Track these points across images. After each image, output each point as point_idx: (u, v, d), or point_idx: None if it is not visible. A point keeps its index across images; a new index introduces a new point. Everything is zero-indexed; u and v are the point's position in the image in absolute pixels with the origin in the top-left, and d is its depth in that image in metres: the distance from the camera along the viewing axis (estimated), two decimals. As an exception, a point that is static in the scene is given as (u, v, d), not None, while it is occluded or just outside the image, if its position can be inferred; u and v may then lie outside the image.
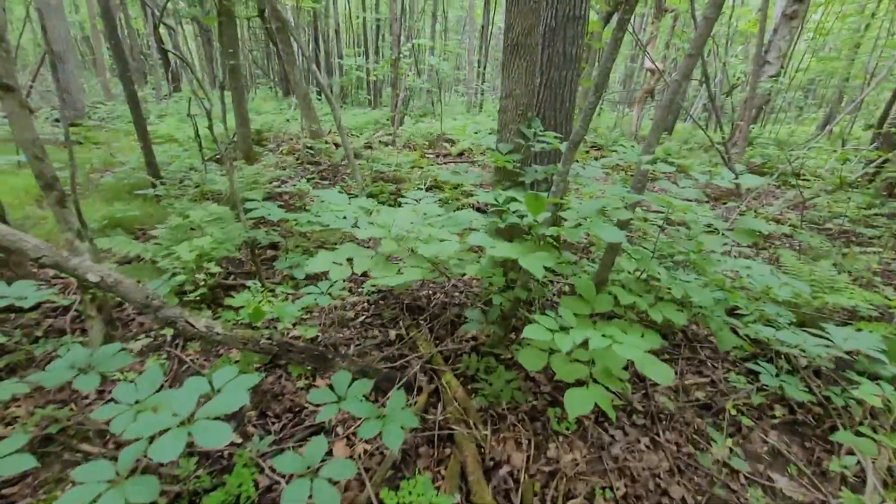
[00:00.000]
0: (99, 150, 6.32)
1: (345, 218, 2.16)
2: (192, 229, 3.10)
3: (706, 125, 11.90)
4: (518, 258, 1.60)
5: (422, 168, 6.51)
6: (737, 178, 1.82)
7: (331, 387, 1.72)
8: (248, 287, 2.60)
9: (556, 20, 2.80)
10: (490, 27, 13.29)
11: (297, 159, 6.89)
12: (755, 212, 5.52)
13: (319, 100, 11.68)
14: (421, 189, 5.54)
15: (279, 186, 5.16)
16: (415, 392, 2.25)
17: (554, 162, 2.88)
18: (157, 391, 1.63)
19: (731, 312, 2.64)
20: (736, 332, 2.39)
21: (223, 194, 4.36)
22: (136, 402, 1.59)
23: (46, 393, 2.14)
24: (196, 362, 2.44)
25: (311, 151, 6.87)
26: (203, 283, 2.58)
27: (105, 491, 1.29)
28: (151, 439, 1.35)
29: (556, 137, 2.33)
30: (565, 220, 1.97)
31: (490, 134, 2.98)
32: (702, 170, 2.01)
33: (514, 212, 1.97)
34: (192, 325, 1.96)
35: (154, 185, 4.20)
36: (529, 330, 1.47)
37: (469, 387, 2.29)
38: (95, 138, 6.89)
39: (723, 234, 1.92)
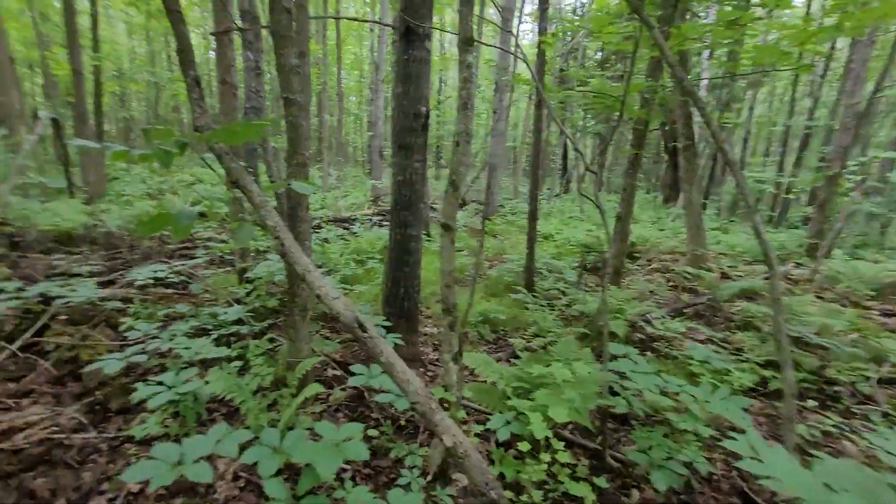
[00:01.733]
0: (495, 241, 7.56)
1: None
2: (547, 364, 2.83)
3: None
4: None
5: (862, 333, 4.35)
6: None
7: None
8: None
9: None
10: None
11: (669, 282, 6.05)
12: None
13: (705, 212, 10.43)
14: (867, 374, 3.58)
15: (644, 319, 4.48)
16: None
17: None
18: None
19: None
20: None
21: (588, 317, 4.07)
22: None
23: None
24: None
25: (689, 276, 5.89)
26: (544, 462, 2.17)
27: None
28: None
29: None
30: None
31: None
32: None
33: None
34: (520, 541, 1.51)
35: (525, 294, 4.38)
36: None
37: None
38: (495, 230, 8.36)
39: None
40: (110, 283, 3.92)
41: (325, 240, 6.12)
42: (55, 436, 2.33)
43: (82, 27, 9.55)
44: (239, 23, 4.75)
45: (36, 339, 3.01)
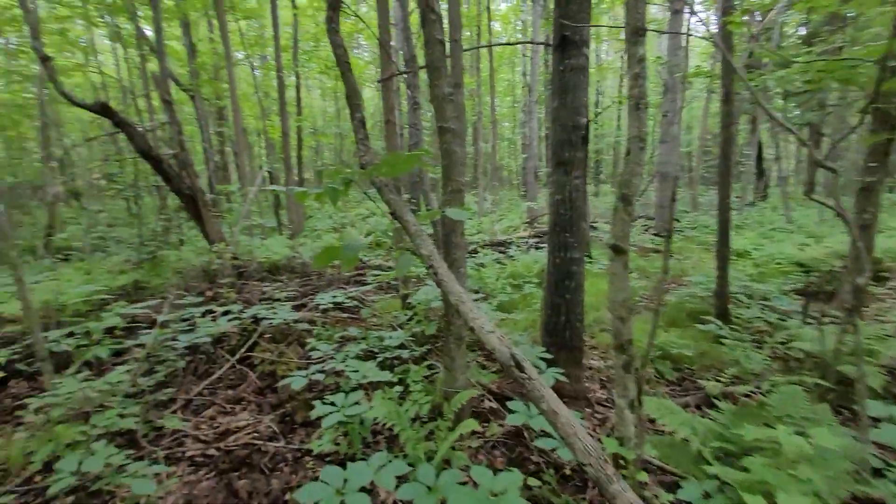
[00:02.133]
0: (671, 260, 6.55)
1: None
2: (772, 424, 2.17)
3: None
4: None
5: None
6: None
7: None
8: None
9: None
10: None
11: (946, 313, 4.32)
12: None
13: None
14: None
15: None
16: None
17: None
18: None
19: None
20: None
21: (817, 359, 3.11)
22: None
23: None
24: None
25: (984, 306, 4.10)
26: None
27: None
28: None
29: None
30: None
31: None
32: None
33: None
34: None
35: (719, 326, 3.58)
36: None
37: None
38: (671, 248, 7.28)
39: None
40: (302, 306, 4.54)
41: (481, 264, 6.13)
42: (255, 441, 2.67)
43: (290, 98, 11.89)
44: (402, 69, 5.19)
45: (248, 353, 3.60)
